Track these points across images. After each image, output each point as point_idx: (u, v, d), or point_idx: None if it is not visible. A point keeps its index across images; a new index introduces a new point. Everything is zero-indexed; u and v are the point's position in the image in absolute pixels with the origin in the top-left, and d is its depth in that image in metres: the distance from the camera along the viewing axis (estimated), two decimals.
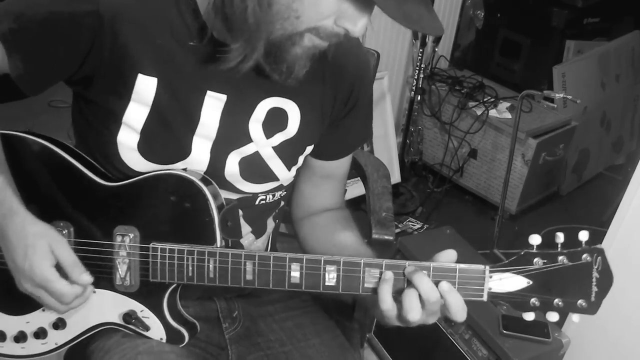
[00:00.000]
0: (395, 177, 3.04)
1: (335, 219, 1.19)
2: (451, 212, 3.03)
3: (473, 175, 3.10)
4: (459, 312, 0.90)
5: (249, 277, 0.95)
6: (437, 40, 3.08)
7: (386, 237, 1.39)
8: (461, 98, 3.03)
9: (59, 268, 0.94)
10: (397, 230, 2.80)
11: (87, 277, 0.96)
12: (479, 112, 2.96)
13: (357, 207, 2.39)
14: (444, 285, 0.89)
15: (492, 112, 2.96)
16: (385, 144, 2.96)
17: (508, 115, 2.95)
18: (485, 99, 3.02)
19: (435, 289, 0.89)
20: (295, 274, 0.93)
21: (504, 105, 3.01)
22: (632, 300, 1.60)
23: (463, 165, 3.10)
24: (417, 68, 2.97)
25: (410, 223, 2.92)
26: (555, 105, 2.98)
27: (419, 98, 3.06)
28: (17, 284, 0.97)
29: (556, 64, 2.98)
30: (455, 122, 3.04)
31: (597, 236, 0.90)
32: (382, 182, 1.56)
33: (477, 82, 3.11)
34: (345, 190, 1.26)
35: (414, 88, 3.02)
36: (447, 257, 0.92)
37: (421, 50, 2.94)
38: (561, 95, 2.51)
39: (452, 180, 3.15)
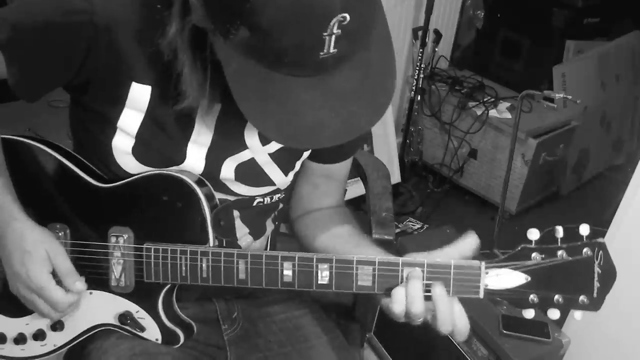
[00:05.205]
0: (395, 177, 3.03)
1: (332, 212, 1.17)
2: (451, 212, 3.03)
3: (473, 175, 3.09)
4: (445, 323, 0.88)
5: (241, 276, 0.95)
6: (437, 40, 3.08)
7: (386, 237, 1.39)
8: (461, 98, 3.03)
9: (54, 275, 0.95)
10: (397, 230, 2.80)
11: (80, 285, 0.97)
12: (479, 112, 2.96)
13: (357, 207, 2.38)
14: (438, 289, 0.88)
15: (492, 112, 2.96)
16: (385, 144, 2.96)
17: (508, 115, 2.94)
18: (485, 99, 3.02)
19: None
20: (287, 272, 0.93)
21: (504, 105, 3.01)
22: (633, 300, 1.60)
23: (463, 165, 3.10)
24: (417, 68, 2.97)
25: (410, 223, 2.92)
26: (555, 105, 2.98)
27: (419, 98, 3.06)
28: (11, 288, 0.98)
29: (556, 64, 2.97)
30: (455, 122, 3.04)
31: (598, 236, 0.88)
32: (382, 182, 1.55)
33: (477, 82, 3.11)
34: (345, 190, 1.25)
35: (414, 88, 3.02)
36: (466, 246, 0.91)
37: (421, 50, 2.94)
38: (561, 95, 2.50)
39: (452, 180, 3.15)
